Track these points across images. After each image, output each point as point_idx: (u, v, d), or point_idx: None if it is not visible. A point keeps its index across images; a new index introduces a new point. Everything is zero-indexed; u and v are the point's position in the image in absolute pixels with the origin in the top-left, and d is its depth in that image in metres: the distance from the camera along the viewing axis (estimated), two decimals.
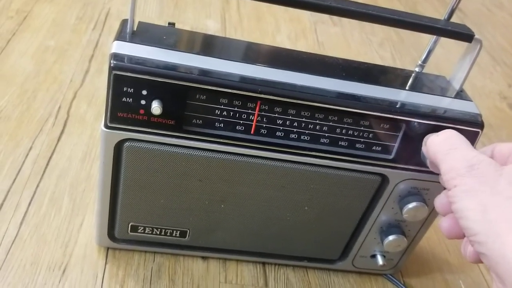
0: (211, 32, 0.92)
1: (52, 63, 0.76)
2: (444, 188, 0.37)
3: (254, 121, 0.43)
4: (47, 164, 0.59)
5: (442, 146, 0.37)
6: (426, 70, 0.50)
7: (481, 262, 0.34)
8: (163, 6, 0.97)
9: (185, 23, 0.94)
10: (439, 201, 0.39)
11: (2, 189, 0.55)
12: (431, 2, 1.27)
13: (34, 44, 0.79)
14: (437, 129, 0.43)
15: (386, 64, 0.93)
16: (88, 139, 0.64)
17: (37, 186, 0.56)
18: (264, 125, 0.43)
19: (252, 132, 0.43)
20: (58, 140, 0.63)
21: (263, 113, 0.43)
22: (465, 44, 0.45)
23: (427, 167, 0.42)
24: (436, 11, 1.22)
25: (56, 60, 0.76)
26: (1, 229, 0.51)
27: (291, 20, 1.04)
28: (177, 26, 0.47)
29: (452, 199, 0.34)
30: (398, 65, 0.98)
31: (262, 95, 0.41)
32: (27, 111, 0.66)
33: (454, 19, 0.45)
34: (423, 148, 0.42)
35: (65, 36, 0.82)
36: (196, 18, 0.96)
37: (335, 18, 1.04)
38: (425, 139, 0.42)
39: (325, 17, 1.06)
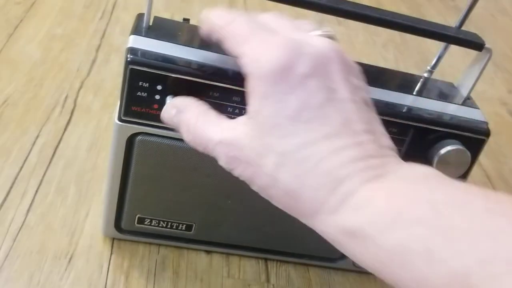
0: None
1: (59, 51, 0.76)
2: None
3: None
4: (54, 153, 0.60)
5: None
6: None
7: None
8: None
9: (192, 17, 0.93)
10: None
11: (10, 174, 0.56)
12: (435, 5, 1.27)
13: (41, 31, 0.79)
14: (443, 135, 0.44)
15: (389, 66, 0.93)
16: (95, 129, 0.64)
17: (44, 174, 0.57)
18: None
19: None
20: (65, 129, 0.63)
21: None
22: (471, 50, 0.45)
23: None
24: (439, 15, 1.23)
25: (63, 48, 0.77)
26: (8, 215, 0.52)
27: (297, 18, 1.04)
28: None
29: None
30: (401, 67, 0.99)
31: None
32: (34, 99, 0.66)
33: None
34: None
35: (72, 24, 0.82)
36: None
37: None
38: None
39: (330, 16, 1.06)
